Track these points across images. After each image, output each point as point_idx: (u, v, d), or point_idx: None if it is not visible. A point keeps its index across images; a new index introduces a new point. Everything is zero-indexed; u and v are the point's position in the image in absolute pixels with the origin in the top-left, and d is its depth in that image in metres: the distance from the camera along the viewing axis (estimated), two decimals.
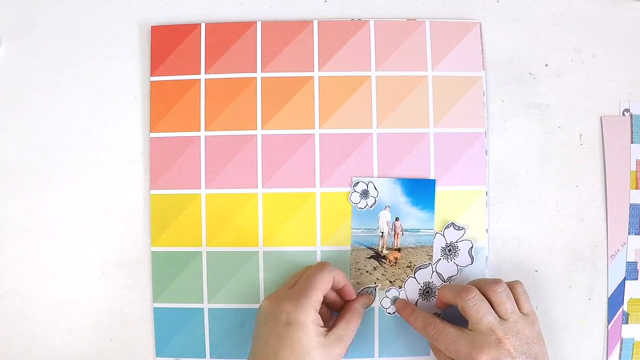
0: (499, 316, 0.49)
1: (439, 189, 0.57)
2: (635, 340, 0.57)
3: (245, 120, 0.58)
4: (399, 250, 0.57)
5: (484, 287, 0.50)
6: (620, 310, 0.57)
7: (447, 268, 0.57)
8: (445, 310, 0.56)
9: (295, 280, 0.52)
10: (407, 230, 0.57)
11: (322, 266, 0.51)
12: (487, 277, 0.57)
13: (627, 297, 0.57)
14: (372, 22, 0.58)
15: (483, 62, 0.58)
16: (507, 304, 0.49)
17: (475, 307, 0.48)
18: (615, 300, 0.57)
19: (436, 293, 0.57)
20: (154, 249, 0.57)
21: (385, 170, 0.57)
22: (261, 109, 0.58)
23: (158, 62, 0.58)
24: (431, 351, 0.55)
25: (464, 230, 0.57)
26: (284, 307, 0.47)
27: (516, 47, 0.58)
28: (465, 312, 0.49)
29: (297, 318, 0.46)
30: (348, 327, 0.50)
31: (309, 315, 0.47)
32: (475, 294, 0.49)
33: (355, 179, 0.57)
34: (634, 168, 0.57)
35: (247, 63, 0.58)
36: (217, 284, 0.57)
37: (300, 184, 0.57)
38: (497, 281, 0.50)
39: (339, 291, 0.53)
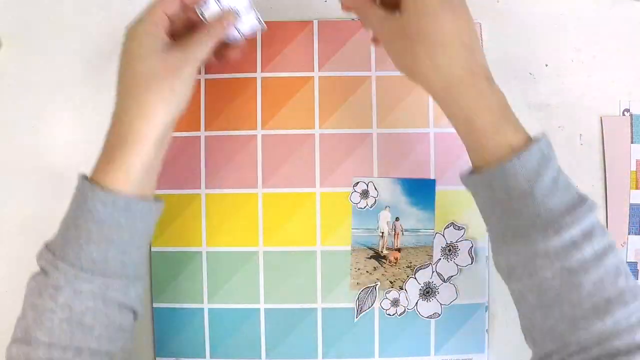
0: None
1: (439, 189, 0.57)
2: None
3: (245, 120, 0.58)
4: (399, 250, 0.57)
5: None
6: None
7: (447, 268, 0.57)
8: None
9: None
10: (407, 230, 0.57)
11: None
12: (488, 278, 0.57)
13: None
14: None
15: None
16: None
17: None
18: None
19: (437, 293, 0.57)
20: (154, 249, 0.57)
21: (385, 170, 0.57)
22: (261, 109, 0.58)
23: None
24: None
25: (464, 230, 0.57)
26: (128, 26, 0.47)
27: (516, 47, 0.58)
28: None
29: (133, 29, 0.46)
30: (196, 39, 0.47)
31: (144, 25, 0.46)
32: None
33: (355, 179, 0.57)
34: (634, 168, 0.57)
35: (248, 63, 0.58)
36: (217, 284, 0.57)
37: (300, 184, 0.57)
38: None
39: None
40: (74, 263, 0.43)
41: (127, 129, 0.44)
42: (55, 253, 0.44)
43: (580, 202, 0.41)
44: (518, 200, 0.41)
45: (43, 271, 0.44)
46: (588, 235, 0.40)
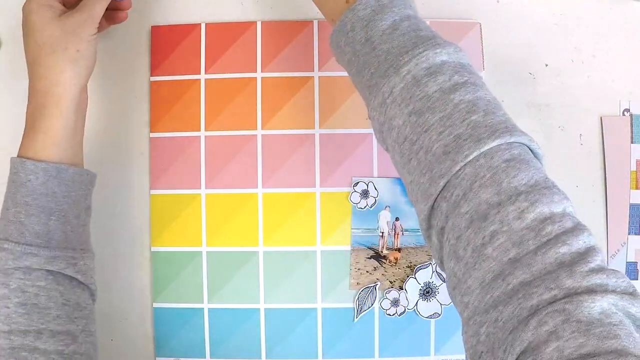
0: None
1: None
2: None
3: (245, 120, 0.58)
4: (399, 250, 0.57)
5: None
6: None
7: None
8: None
9: None
10: (407, 230, 0.57)
11: None
12: None
13: None
14: None
15: (483, 62, 0.58)
16: None
17: None
18: None
19: (437, 293, 0.57)
20: (154, 249, 0.57)
21: (385, 170, 0.57)
22: (261, 109, 0.58)
23: (158, 62, 0.58)
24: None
25: None
26: (24, 4, 0.48)
27: (516, 47, 0.58)
28: None
29: (28, 4, 0.47)
30: (88, 1, 0.48)
31: (38, 1, 0.47)
32: None
33: (355, 179, 0.57)
34: (634, 168, 0.57)
35: (247, 63, 0.58)
36: (217, 284, 0.57)
37: (300, 184, 0.57)
38: None
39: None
40: (18, 240, 0.44)
41: (43, 96, 0.46)
42: (0, 236, 0.45)
43: (425, 40, 0.39)
44: (362, 53, 0.41)
45: None
46: (434, 72, 0.37)
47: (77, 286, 0.47)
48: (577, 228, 0.32)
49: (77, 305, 0.46)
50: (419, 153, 0.36)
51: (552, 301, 0.30)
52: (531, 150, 0.36)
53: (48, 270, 0.45)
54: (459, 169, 0.34)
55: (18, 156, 0.46)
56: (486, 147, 0.34)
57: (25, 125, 0.47)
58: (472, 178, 0.34)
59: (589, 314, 0.29)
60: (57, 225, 0.46)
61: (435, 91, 0.36)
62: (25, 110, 0.48)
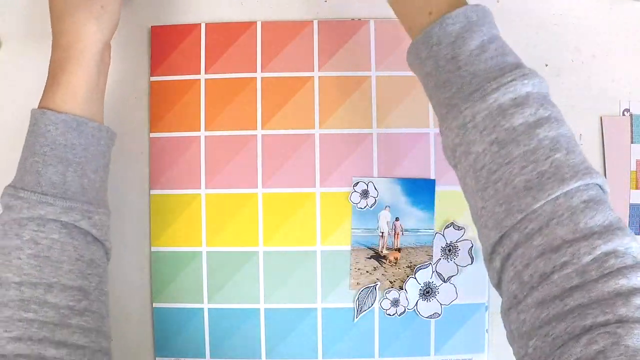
0: None
1: (439, 189, 0.57)
2: None
3: (245, 120, 0.58)
4: (399, 250, 0.57)
5: None
6: None
7: (447, 268, 0.57)
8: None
9: None
10: (407, 230, 0.57)
11: None
12: (487, 278, 0.57)
13: None
14: (372, 22, 0.58)
15: None
16: None
17: None
18: None
19: (437, 293, 0.57)
20: (154, 249, 0.57)
21: (385, 170, 0.57)
22: (261, 109, 0.58)
23: (158, 62, 0.58)
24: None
25: (464, 230, 0.57)
26: None
27: (516, 47, 0.58)
28: None
29: None
30: None
31: None
32: None
33: (355, 179, 0.57)
34: (634, 168, 0.57)
35: (247, 63, 0.58)
36: (217, 284, 0.57)
37: (300, 184, 0.57)
38: None
39: None
40: (34, 189, 0.44)
41: (66, 50, 0.46)
42: (16, 185, 0.45)
43: (512, 68, 0.39)
44: (445, 69, 0.40)
45: (6, 208, 0.44)
46: (520, 103, 0.37)
47: (92, 242, 0.46)
48: (637, 266, 0.34)
49: (91, 261, 0.46)
50: (497, 184, 0.37)
51: (605, 324, 0.32)
52: (601, 189, 0.38)
53: (62, 223, 0.44)
54: (539, 206, 0.36)
55: (39, 107, 0.46)
56: (568, 188, 0.35)
57: (47, 80, 0.47)
58: (550, 215, 0.35)
59: (637, 341, 0.31)
60: (75, 177, 0.45)
61: (521, 124, 0.37)
62: (48, 66, 0.47)
